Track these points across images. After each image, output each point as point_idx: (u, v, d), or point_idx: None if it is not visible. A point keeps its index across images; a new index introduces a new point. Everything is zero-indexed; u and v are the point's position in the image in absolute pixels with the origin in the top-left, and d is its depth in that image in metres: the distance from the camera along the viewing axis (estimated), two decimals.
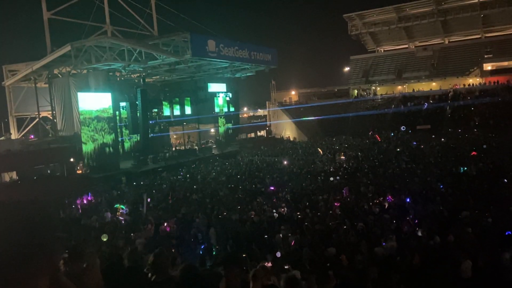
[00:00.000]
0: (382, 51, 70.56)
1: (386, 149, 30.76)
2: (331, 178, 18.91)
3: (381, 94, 58.87)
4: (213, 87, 40.24)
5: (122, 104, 31.41)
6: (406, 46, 68.00)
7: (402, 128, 43.96)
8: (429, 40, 66.52)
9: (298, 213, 12.66)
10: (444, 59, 61.30)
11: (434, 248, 8.30)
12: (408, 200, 13.11)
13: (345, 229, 9.88)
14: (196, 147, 38.07)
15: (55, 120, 29.41)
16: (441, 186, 15.26)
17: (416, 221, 10.65)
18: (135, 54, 26.98)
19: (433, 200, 12.96)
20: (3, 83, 32.01)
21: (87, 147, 27.07)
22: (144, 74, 33.66)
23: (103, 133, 28.18)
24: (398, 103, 52.98)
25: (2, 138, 31.03)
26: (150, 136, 32.10)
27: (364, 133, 43.87)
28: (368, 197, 14.42)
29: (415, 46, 67.17)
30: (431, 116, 46.82)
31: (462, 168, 19.33)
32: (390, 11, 64.07)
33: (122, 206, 15.13)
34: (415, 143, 32.99)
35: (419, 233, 9.45)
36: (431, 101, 50.55)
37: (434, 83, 57.69)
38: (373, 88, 62.32)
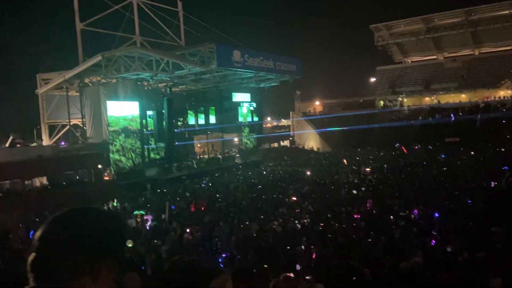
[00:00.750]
0: (410, 62, 69.52)
1: (412, 162, 30.12)
2: (354, 191, 18.63)
3: (408, 106, 57.86)
4: (237, 96, 40.58)
5: (149, 112, 32.08)
6: (435, 57, 66.73)
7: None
8: (459, 51, 65.10)
9: (321, 225, 12.52)
10: (474, 71, 59.81)
11: (463, 264, 8.04)
12: (436, 214, 12.76)
13: (369, 242, 9.70)
14: (219, 156, 38.34)
15: (84, 127, 30.27)
16: (469, 202, 14.80)
17: (444, 236, 10.35)
18: (163, 64, 27.58)
19: (462, 215, 12.58)
20: (36, 91, 33.24)
21: (115, 155, 27.77)
22: (170, 83, 34.32)
23: (130, 141, 28.90)
24: (426, 114, 51.91)
25: (34, 144, 32.13)
26: (175, 144, 32.59)
27: (389, 144, 43.09)
28: (393, 210, 14.13)
29: (444, 57, 65.85)
30: (461, 128, 45.58)
31: (492, 183, 18.70)
32: (418, 22, 63.20)
33: (142, 212, 15.37)
34: (443, 156, 32.16)
35: (447, 249, 9.16)
36: (460, 113, 49.28)
37: (463, 95, 56.32)
38: (400, 99, 61.36)
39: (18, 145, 29.01)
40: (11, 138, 30.22)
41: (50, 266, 1.12)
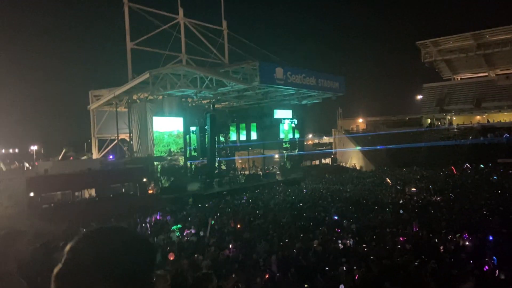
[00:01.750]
0: (459, 79, 66.93)
1: (462, 183, 28.66)
2: (401, 211, 17.94)
3: (457, 124, 55.50)
4: (279, 113, 40.71)
5: (192, 128, 32.84)
6: (486, 74, 63.84)
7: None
8: None
9: (364, 246, 12.12)
10: None
11: None
12: (491, 238, 11.99)
13: (416, 266, 9.25)
14: (260, 172, 38.39)
15: (131, 142, 31.43)
16: None
17: (497, 262, 9.68)
18: (207, 81, 28.28)
19: None
20: (88, 107, 35.06)
21: (159, 169, 28.60)
22: (213, 100, 35.08)
23: (174, 157, 29.73)
24: (477, 134, 49.49)
25: (85, 157, 33.72)
26: (217, 160, 33.04)
27: (438, 164, 41.31)
28: (441, 233, 13.44)
29: (496, 74, 62.83)
30: None
31: None
32: (467, 38, 60.94)
33: (179, 226, 15.59)
34: (495, 177, 30.39)
35: (501, 276, 8.56)
36: None
37: None
38: (448, 117, 59.00)
39: (71, 158, 30.56)
40: (64, 151, 31.96)
41: (75, 282, 1.10)
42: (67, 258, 1.14)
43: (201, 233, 14.75)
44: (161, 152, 29.87)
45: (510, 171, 34.29)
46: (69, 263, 1.13)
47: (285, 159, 41.63)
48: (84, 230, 1.25)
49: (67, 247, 1.16)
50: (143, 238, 1.27)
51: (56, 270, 1.13)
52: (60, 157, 31.37)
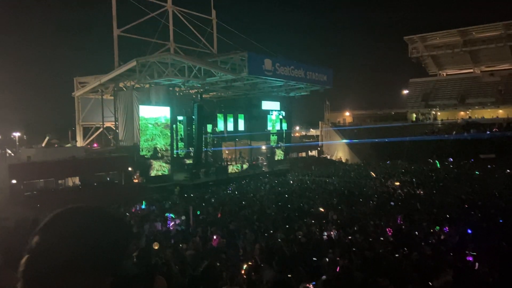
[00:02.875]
0: (445, 75, 67.78)
1: (444, 177, 29.20)
2: (392, 203, 18.19)
3: (442, 119, 56.33)
4: (266, 105, 40.70)
5: (180, 118, 32.61)
6: (471, 70, 64.79)
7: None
8: (497, 65, 62.94)
9: (349, 237, 12.29)
10: None
11: (493, 285, 7.68)
12: (469, 231, 12.28)
13: (397, 258, 9.43)
14: (247, 164, 38.45)
15: (117, 130, 31.10)
16: (501, 220, 14.17)
17: (475, 255, 9.93)
18: (195, 71, 28.04)
19: (495, 234, 12.04)
20: (73, 94, 34.49)
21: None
22: (201, 90, 34.85)
23: (160, 146, 29.47)
24: (460, 129, 50.34)
25: (69, 145, 33.25)
26: (203, 150, 32.94)
27: (421, 158, 41.95)
28: (423, 226, 13.71)
29: (481, 71, 63.82)
30: (497, 145, 43.88)
31: None
32: (454, 34, 61.63)
33: (172, 215, 15.58)
34: (477, 172, 31.03)
35: (480, 268, 8.79)
36: (496, 129, 47.48)
37: (500, 111, 54.32)
38: (433, 112, 59.80)
39: (55, 145, 30.09)
40: (47, 138, 31.45)
41: (41, 275, 0.97)
42: (32, 247, 1.01)
43: (186, 223, 14.75)
44: (145, 149, 28.71)
45: (489, 166, 35.04)
46: (37, 247, 1.00)
47: (281, 149, 41.72)
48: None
49: (37, 229, 1.06)
50: (116, 216, 1.17)
51: (22, 261, 1.01)
52: (43, 144, 30.84)
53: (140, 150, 28.39)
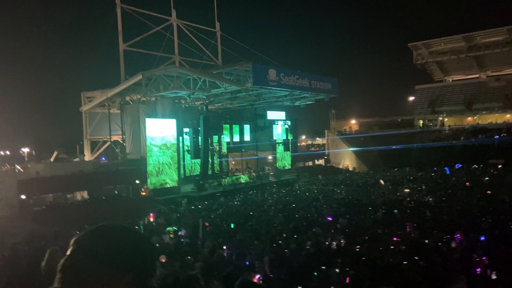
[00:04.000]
0: (450, 80, 67.52)
1: (454, 184, 28.90)
2: (396, 211, 18.02)
3: (449, 125, 55.98)
4: (272, 114, 40.76)
5: (186, 130, 32.74)
6: (477, 76, 64.48)
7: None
8: (503, 70, 62.60)
9: (357, 247, 12.16)
10: None
11: None
12: (482, 238, 12.10)
13: (408, 266, 9.30)
14: (253, 174, 38.41)
15: (124, 144, 31.27)
16: (511, 226, 13.97)
17: (488, 262, 9.77)
18: (200, 83, 28.24)
19: (508, 241, 11.85)
20: (80, 108, 34.82)
21: (152, 170, 28.41)
22: (207, 101, 35.04)
23: (167, 159, 29.49)
24: (468, 135, 49.95)
25: (77, 159, 33.47)
26: (210, 161, 32.97)
27: (429, 165, 41.61)
28: (433, 233, 13.53)
29: (487, 76, 63.48)
30: (506, 150, 43.44)
31: None
32: (459, 40, 61.52)
33: (174, 228, 15.49)
34: (487, 178, 30.68)
35: (492, 276, 8.65)
36: (505, 134, 47.05)
37: (508, 115, 53.86)
38: (440, 119, 59.47)
39: (63, 160, 30.28)
40: (55, 153, 31.70)
41: (78, 271, 1.17)
42: (73, 249, 1.22)
43: (194, 235, 14.70)
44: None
45: (494, 171, 34.63)
46: (74, 254, 1.20)
47: (280, 164, 41.68)
48: (77, 232, 1.32)
49: (73, 239, 1.24)
50: (145, 237, 1.37)
51: (61, 261, 1.21)
52: (52, 159, 31.08)
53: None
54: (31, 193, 22.78)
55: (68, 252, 1.21)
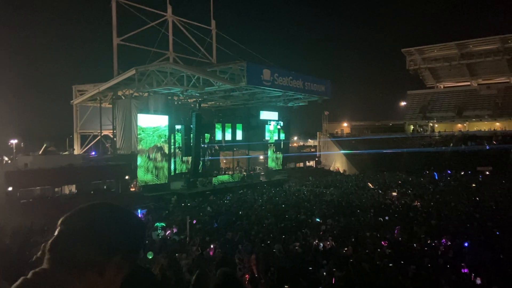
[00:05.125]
0: (442, 87, 68.21)
1: (442, 189, 29.19)
2: (381, 219, 18.11)
3: (439, 131, 56.53)
4: (265, 114, 40.78)
5: (178, 127, 32.59)
6: (468, 83, 65.24)
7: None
8: (494, 79, 63.42)
9: (345, 249, 12.22)
10: (509, 99, 57.98)
11: None
12: (466, 244, 12.24)
13: (394, 270, 9.37)
14: (244, 173, 38.41)
15: (115, 138, 31.03)
16: (498, 233, 14.15)
17: (473, 268, 9.89)
18: (193, 80, 28.13)
19: (493, 247, 12.00)
20: (71, 101, 34.49)
21: (142, 165, 28.27)
22: (200, 99, 34.93)
23: (158, 155, 29.36)
24: (458, 141, 50.50)
25: (66, 152, 33.14)
26: (201, 159, 32.88)
27: (419, 170, 42.00)
28: (420, 238, 13.66)
29: (478, 84, 64.27)
30: (494, 157, 44.01)
31: None
32: (452, 47, 62.18)
33: (163, 224, 15.45)
34: (474, 185, 31.05)
35: (477, 281, 8.76)
36: (494, 142, 47.66)
37: (497, 123, 54.57)
38: (431, 124, 60.03)
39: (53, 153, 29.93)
40: (44, 146, 31.34)
41: (66, 251, 1.17)
42: (60, 229, 1.21)
43: (183, 232, 14.66)
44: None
45: (480, 177, 35.01)
46: (62, 233, 1.20)
47: (271, 164, 41.72)
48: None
49: (60, 219, 1.23)
50: (132, 213, 1.35)
51: (49, 241, 1.20)
52: (40, 152, 30.72)
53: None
54: (18, 186, 22.49)
55: (56, 233, 1.20)
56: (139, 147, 28.18)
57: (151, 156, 28.68)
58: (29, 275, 1.14)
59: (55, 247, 1.18)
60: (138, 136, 28.15)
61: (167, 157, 30.13)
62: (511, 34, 57.05)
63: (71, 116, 35.22)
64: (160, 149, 29.52)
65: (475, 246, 12.33)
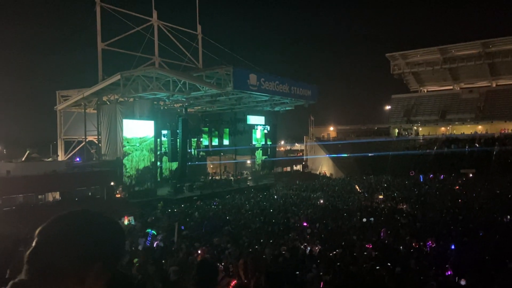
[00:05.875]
0: (425, 91, 69.35)
1: (427, 192, 29.60)
2: (365, 219, 18.27)
3: (423, 135, 57.38)
4: (252, 119, 40.82)
5: (164, 132, 32.38)
6: (451, 87, 66.50)
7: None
8: (475, 82, 64.79)
9: (332, 252, 12.28)
10: (491, 102, 59.28)
11: None
12: (452, 246, 12.42)
13: (380, 272, 9.45)
14: (231, 178, 38.32)
15: (100, 144, 30.66)
16: (481, 234, 14.41)
17: (458, 269, 10.03)
18: (179, 85, 28.01)
19: (477, 249, 12.20)
20: (55, 107, 33.98)
21: (128, 172, 28.02)
22: (186, 104, 34.77)
23: (143, 160, 29.15)
24: (441, 144, 51.32)
25: (50, 159, 32.58)
26: (187, 164, 32.70)
27: (404, 173, 42.53)
28: (406, 240, 13.81)
29: (461, 88, 65.56)
30: (477, 160, 44.85)
31: (508, 216, 18.19)
32: (434, 52, 63.33)
33: (153, 232, 15.29)
34: (457, 187, 31.57)
35: (461, 282, 8.88)
36: (476, 145, 48.59)
37: (480, 126, 55.66)
38: (415, 128, 60.92)
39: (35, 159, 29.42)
40: (27, 152, 30.76)
41: (44, 261, 1.16)
42: (37, 240, 1.20)
43: (169, 239, 14.52)
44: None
45: (462, 180, 35.66)
46: (39, 244, 1.19)
47: (257, 165, 41.75)
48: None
49: (37, 230, 1.22)
50: (112, 220, 1.34)
51: (27, 252, 1.19)
52: (23, 159, 30.14)
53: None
54: (0, 193, 22.03)
55: (33, 244, 1.19)
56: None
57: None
58: (8, 286, 1.13)
59: (33, 259, 1.17)
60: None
61: (154, 162, 29.92)
62: (492, 39, 58.43)
63: (54, 122, 34.67)
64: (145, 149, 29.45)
65: (459, 247, 12.52)
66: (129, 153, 28.70)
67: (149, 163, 29.84)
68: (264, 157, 41.67)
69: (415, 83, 69.63)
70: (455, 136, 53.51)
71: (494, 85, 62.95)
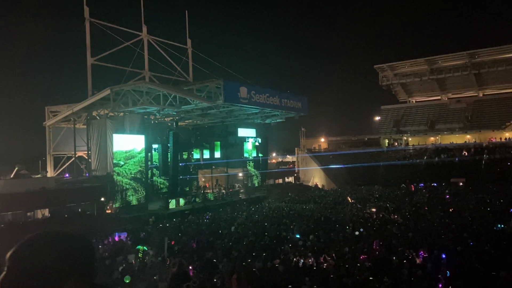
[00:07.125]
0: (414, 102, 70.21)
1: (418, 201, 29.72)
2: (357, 232, 18.21)
3: (413, 145, 57.90)
4: (243, 132, 40.85)
5: (155, 146, 32.21)
6: (439, 97, 67.44)
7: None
8: (463, 93, 65.82)
9: (325, 264, 12.22)
10: (478, 112, 60.20)
11: None
12: (444, 256, 12.43)
13: (374, 284, 9.42)
14: (223, 191, 38.14)
15: (89, 160, 30.36)
16: (471, 243, 14.47)
17: (451, 279, 10.04)
18: (170, 99, 27.99)
19: (469, 258, 12.24)
20: (44, 123, 33.66)
21: (118, 188, 27.74)
22: (177, 117, 34.71)
23: (134, 175, 28.91)
24: (431, 154, 51.80)
25: (39, 175, 32.15)
26: (179, 178, 32.49)
27: (395, 183, 42.75)
28: (398, 251, 13.80)
29: (448, 98, 66.52)
30: (466, 169, 45.31)
31: (499, 225, 18.32)
32: (421, 63, 64.33)
33: (145, 248, 15.09)
34: (448, 196, 31.77)
35: None
36: (465, 154, 49.13)
37: (468, 136, 56.38)
38: (405, 138, 61.47)
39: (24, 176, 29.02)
40: (16, 169, 30.34)
41: (18, 285, 1.20)
42: (8, 266, 1.24)
43: (161, 254, 14.34)
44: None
45: (455, 190, 35.97)
46: (11, 270, 1.23)
47: (249, 178, 41.65)
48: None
49: (8, 255, 1.26)
50: (81, 237, 1.38)
51: (1, 276, 1.23)
52: (12, 176, 29.70)
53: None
54: None
55: (5, 270, 1.23)
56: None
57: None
58: None
59: (7, 284, 1.20)
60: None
61: (144, 177, 29.68)
62: (478, 50, 59.59)
63: (43, 137, 34.30)
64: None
65: (452, 256, 12.54)
66: (121, 165, 28.46)
67: (142, 177, 29.58)
68: (256, 170, 41.61)
69: (403, 94, 70.49)
70: (444, 145, 54.09)
71: (481, 94, 63.97)
